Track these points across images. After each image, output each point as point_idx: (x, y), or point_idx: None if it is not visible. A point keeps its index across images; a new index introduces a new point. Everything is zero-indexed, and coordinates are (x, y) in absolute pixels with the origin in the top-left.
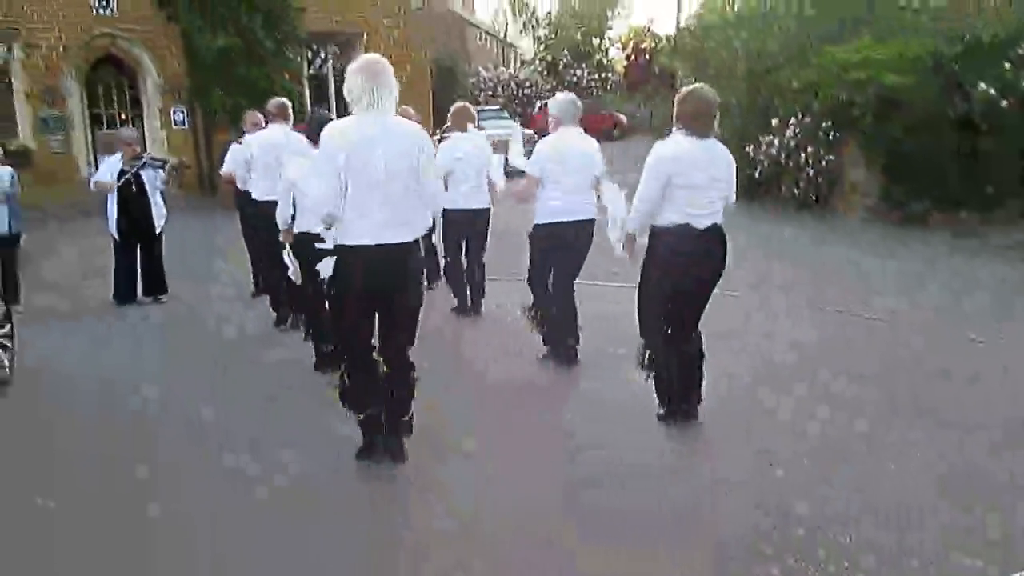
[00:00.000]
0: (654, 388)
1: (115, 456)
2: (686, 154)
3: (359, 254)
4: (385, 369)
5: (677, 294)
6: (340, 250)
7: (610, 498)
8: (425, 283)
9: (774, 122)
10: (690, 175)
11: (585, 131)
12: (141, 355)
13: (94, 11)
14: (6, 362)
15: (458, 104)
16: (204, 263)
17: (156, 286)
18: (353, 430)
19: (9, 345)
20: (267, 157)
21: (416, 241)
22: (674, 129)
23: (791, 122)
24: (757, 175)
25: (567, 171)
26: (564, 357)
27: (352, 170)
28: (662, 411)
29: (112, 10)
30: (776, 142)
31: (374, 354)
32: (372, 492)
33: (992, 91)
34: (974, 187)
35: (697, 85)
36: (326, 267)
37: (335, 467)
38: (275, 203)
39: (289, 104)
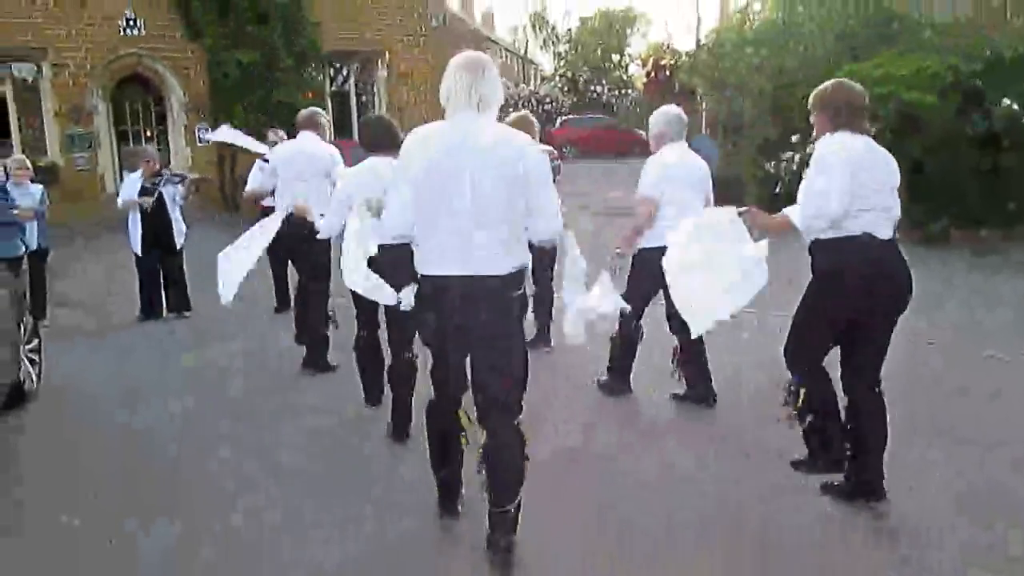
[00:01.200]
0: (804, 433)
1: (138, 475)
2: (860, 149)
3: (440, 285)
4: (483, 438)
5: (854, 327)
6: (421, 280)
7: (634, 512)
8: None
9: (794, 138)
10: (868, 173)
11: (606, 146)
12: (165, 372)
13: (121, 31)
14: (34, 376)
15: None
16: None
17: (180, 302)
18: (372, 447)
19: (37, 360)
20: (290, 169)
21: (515, 274)
22: (826, 132)
23: (812, 137)
24: (777, 191)
25: (683, 188)
26: (617, 389)
27: (431, 185)
28: (813, 462)
29: (139, 30)
30: (796, 158)
31: (463, 415)
32: (403, 522)
33: (1015, 107)
34: (995, 204)
35: (836, 79)
36: (407, 297)
37: (354, 486)
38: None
39: (319, 112)
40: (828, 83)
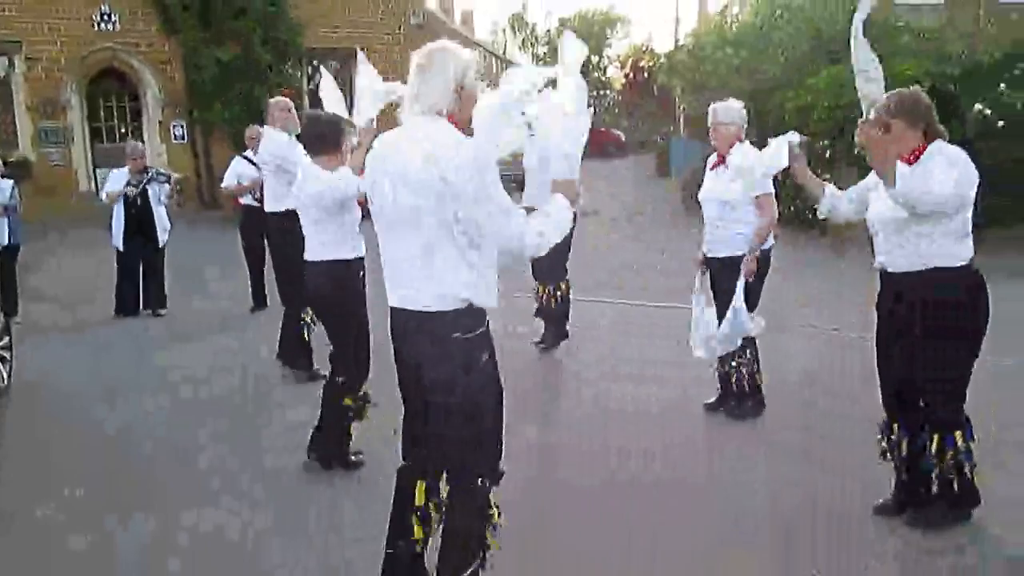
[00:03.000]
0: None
1: (114, 472)
2: None
3: (391, 316)
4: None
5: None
6: None
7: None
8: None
9: (771, 140)
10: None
11: (590, 147)
12: (141, 370)
13: (96, 25)
14: (4, 374)
15: None
16: (203, 276)
17: (157, 299)
18: (355, 444)
19: (7, 357)
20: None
21: (457, 312)
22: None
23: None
24: None
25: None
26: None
27: (373, 205)
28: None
29: (114, 24)
30: None
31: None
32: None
33: (987, 111)
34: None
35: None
36: None
37: (339, 485)
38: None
39: (278, 102)
40: (907, 91)
